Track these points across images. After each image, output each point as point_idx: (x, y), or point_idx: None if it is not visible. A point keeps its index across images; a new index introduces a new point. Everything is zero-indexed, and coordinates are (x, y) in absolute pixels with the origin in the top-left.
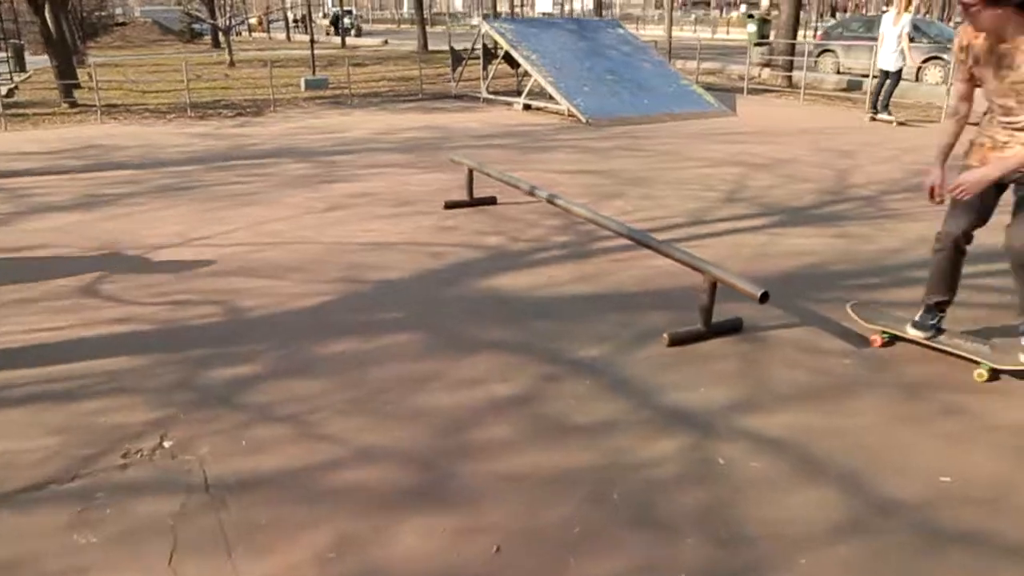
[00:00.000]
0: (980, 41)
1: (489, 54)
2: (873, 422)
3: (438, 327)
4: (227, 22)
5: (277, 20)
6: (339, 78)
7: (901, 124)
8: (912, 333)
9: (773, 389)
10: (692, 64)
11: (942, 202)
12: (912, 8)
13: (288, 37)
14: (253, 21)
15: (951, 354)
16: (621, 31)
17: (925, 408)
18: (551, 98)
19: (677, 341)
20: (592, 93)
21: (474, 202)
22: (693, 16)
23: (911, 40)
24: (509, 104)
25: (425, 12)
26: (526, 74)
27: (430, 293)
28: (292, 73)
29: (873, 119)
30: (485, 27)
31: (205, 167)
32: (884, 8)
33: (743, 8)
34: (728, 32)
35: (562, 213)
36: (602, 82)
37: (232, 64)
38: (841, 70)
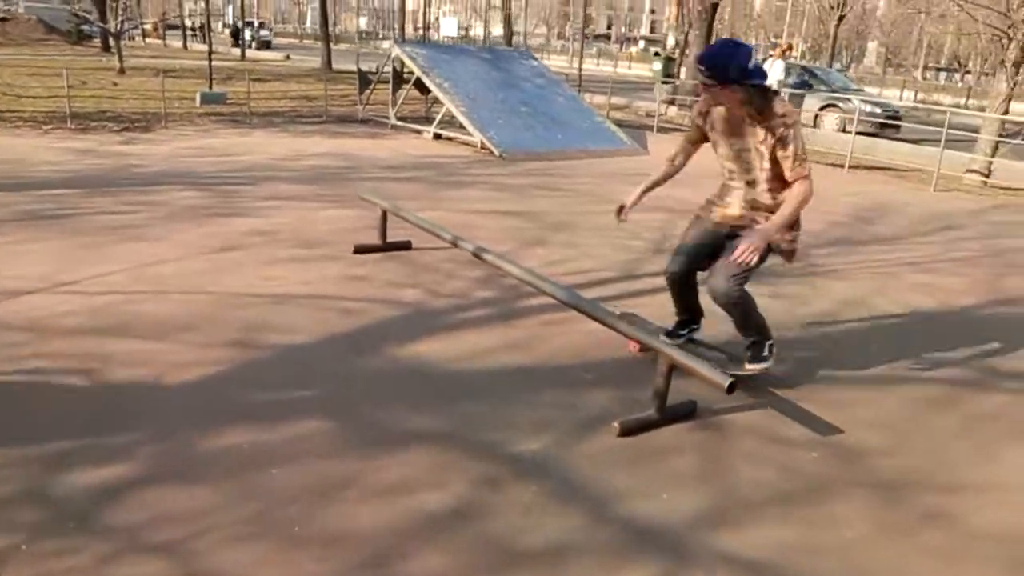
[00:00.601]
0: (718, 111)
1: (399, 78)
2: (857, 535)
3: (353, 411)
4: (118, 26)
5: (175, 27)
6: (238, 94)
7: None
8: (662, 339)
9: (742, 494)
10: (600, 98)
11: (624, 221)
12: (788, 55)
13: (185, 46)
14: (148, 27)
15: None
16: (535, 63)
17: (907, 514)
18: (462, 128)
19: (628, 431)
20: (506, 126)
21: (387, 247)
22: (595, 48)
23: (808, 88)
24: (419, 132)
25: (330, 29)
26: (436, 101)
27: (342, 364)
28: (187, 85)
29: None
30: (396, 50)
31: (82, 191)
32: (770, 53)
33: (642, 44)
34: (629, 66)
35: (483, 263)
36: (516, 115)
37: (122, 71)
38: None
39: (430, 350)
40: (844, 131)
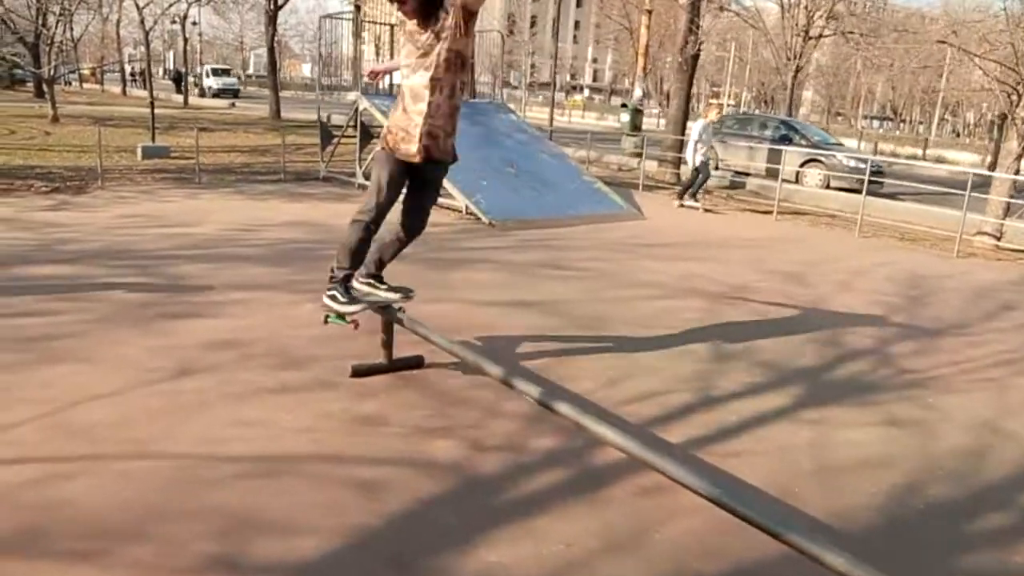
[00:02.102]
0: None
1: (367, 133)
2: None
3: None
4: (51, 71)
5: (113, 71)
6: (183, 145)
7: (707, 211)
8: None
9: None
10: (568, 151)
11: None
12: (711, 115)
13: (124, 91)
14: (86, 71)
15: None
16: (514, 117)
17: None
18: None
19: None
20: (491, 188)
21: (394, 366)
22: (541, 97)
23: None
24: None
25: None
26: None
27: None
28: (127, 135)
29: (681, 205)
30: (364, 103)
31: None
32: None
33: (586, 92)
34: (583, 116)
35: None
36: (500, 175)
37: (55, 119)
38: (719, 167)
39: (501, 562)
40: (828, 187)
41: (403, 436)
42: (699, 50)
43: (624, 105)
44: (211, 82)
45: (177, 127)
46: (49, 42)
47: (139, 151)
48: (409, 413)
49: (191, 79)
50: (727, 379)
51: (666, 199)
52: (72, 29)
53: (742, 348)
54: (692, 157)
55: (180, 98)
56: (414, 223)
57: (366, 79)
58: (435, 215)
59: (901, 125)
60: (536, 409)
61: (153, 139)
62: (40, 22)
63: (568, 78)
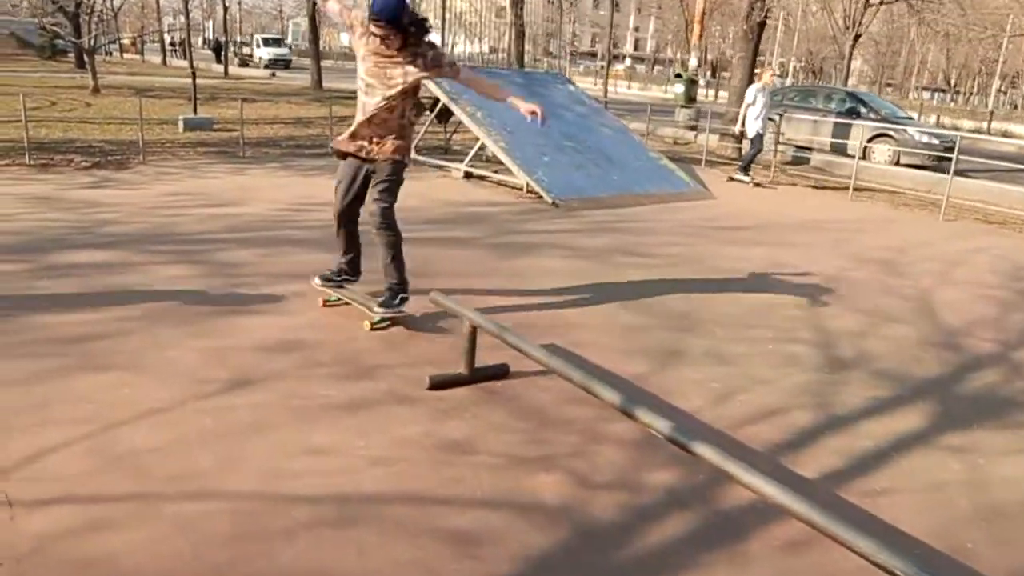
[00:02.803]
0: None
1: (419, 106)
2: None
3: None
4: (92, 41)
5: (153, 41)
6: (224, 117)
7: (757, 185)
8: (316, 282)
9: None
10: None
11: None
12: (765, 78)
13: (164, 61)
14: (126, 41)
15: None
16: (572, 88)
17: None
18: (498, 164)
19: None
20: (553, 164)
21: (477, 376)
22: (582, 67)
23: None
24: (445, 170)
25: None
26: (455, 130)
27: None
28: (168, 107)
29: (730, 179)
30: None
31: (24, 269)
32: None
33: (627, 61)
34: (628, 86)
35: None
36: (562, 151)
37: (96, 90)
38: (781, 141)
39: None
40: (897, 164)
41: (497, 468)
42: (766, 17)
43: (679, 75)
44: (262, 52)
45: (218, 98)
46: (89, 11)
47: (181, 123)
48: (500, 437)
49: (231, 49)
50: (847, 392)
51: (730, 174)
52: None
53: (853, 353)
54: (745, 124)
55: (220, 68)
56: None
57: None
58: (488, 192)
59: (956, 97)
60: (642, 433)
61: (195, 111)
62: None
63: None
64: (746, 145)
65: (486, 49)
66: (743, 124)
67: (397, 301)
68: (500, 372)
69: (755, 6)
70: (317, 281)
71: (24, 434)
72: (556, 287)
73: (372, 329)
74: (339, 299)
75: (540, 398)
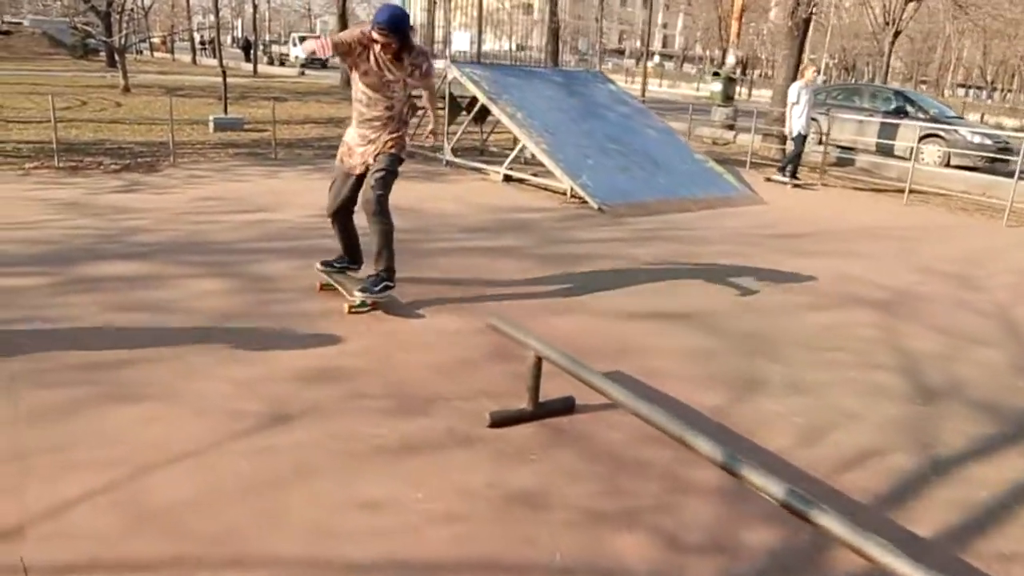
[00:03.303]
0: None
1: (456, 105)
2: None
3: None
4: (122, 40)
5: (183, 40)
6: (255, 116)
7: (796, 186)
8: (317, 267)
9: None
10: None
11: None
12: (808, 75)
13: (194, 60)
14: (157, 40)
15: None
16: (612, 87)
17: None
18: (537, 166)
19: None
20: (598, 168)
21: (541, 411)
22: (610, 64)
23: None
24: (483, 173)
25: None
26: (492, 131)
27: None
28: (198, 106)
29: (767, 179)
30: (454, 72)
31: (51, 283)
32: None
33: (656, 59)
34: (660, 84)
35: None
36: (606, 153)
37: (127, 89)
38: (824, 141)
39: None
40: (947, 166)
41: (574, 526)
42: (812, 13)
43: (716, 73)
44: (299, 51)
45: (248, 97)
46: (120, 10)
47: (211, 123)
48: (573, 487)
49: (261, 48)
50: (946, 429)
51: (776, 176)
52: None
53: (942, 380)
54: (790, 124)
55: (249, 67)
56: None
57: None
58: (529, 196)
59: (993, 94)
60: (731, 481)
61: (225, 111)
62: None
63: (638, 43)
64: (789, 145)
65: (513, 46)
66: (790, 125)
67: (379, 288)
68: (566, 407)
69: (801, 1)
70: (318, 266)
71: (45, 481)
72: (614, 304)
73: (350, 312)
74: (331, 284)
75: (612, 437)
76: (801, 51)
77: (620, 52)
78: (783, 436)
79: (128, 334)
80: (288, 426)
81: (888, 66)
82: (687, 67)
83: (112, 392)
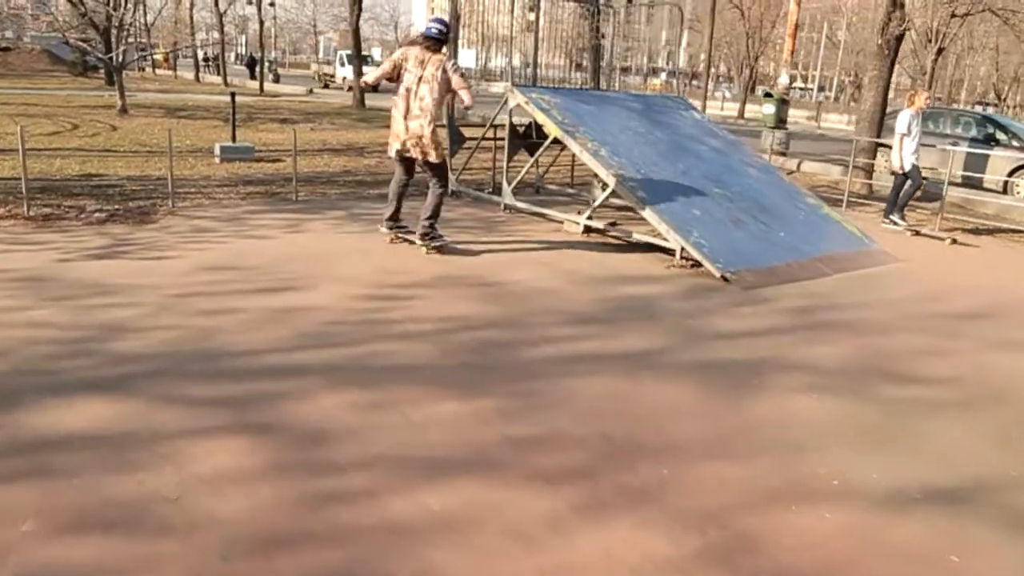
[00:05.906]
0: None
1: (516, 135)
2: None
3: None
4: (119, 57)
5: (186, 57)
6: (264, 140)
7: (916, 234)
8: (382, 229)
9: None
10: None
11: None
12: (915, 104)
13: (197, 77)
14: (159, 57)
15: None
16: (697, 115)
17: None
18: (622, 214)
19: None
20: (706, 220)
21: None
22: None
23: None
24: (550, 220)
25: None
26: (551, 164)
27: None
28: (201, 129)
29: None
30: (518, 97)
31: None
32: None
33: (663, 76)
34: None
35: None
36: (711, 199)
37: (124, 110)
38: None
39: None
40: None
41: None
42: (904, 30)
43: (767, 94)
44: (346, 71)
45: (256, 118)
46: (118, 24)
47: (217, 151)
48: None
49: (267, 65)
50: None
51: (877, 219)
52: (145, 14)
53: None
54: (899, 158)
55: (254, 84)
56: None
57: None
58: (634, 260)
59: (1006, 111)
60: None
61: (234, 138)
62: (110, 4)
63: (646, 60)
64: (879, 180)
65: (516, 63)
66: (901, 159)
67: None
68: None
69: (892, 16)
70: (383, 228)
71: None
72: (861, 477)
73: (428, 253)
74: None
75: None
76: (891, 72)
77: (626, 70)
78: None
79: (97, 563)
80: None
81: (931, 84)
82: (696, 84)
83: None
